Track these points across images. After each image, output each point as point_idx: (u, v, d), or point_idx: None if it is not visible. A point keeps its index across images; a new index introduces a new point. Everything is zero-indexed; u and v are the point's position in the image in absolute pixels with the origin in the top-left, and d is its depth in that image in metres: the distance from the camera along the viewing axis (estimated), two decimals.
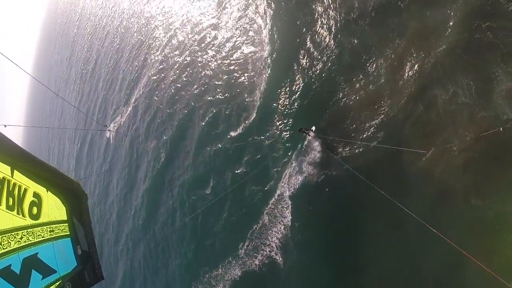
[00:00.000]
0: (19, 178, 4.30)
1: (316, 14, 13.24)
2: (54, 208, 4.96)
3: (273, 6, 15.82)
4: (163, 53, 24.54)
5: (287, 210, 12.23)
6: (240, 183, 13.98)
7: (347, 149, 10.77)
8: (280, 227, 12.27)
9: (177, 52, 22.86)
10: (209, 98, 17.94)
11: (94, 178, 28.57)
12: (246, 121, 15.12)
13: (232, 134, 15.62)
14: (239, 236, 13.61)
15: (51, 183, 4.91)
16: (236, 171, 14.75)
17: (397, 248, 9.00)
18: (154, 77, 24.25)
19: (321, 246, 10.99)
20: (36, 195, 4.61)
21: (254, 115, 14.80)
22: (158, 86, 23.34)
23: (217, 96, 17.44)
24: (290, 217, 12.08)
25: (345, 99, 11.28)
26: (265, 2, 16.41)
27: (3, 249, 3.78)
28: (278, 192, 12.71)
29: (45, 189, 4.80)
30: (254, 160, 14.08)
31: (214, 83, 18.06)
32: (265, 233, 12.72)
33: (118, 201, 24.61)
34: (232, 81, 16.73)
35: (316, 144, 11.73)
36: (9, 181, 4.09)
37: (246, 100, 15.44)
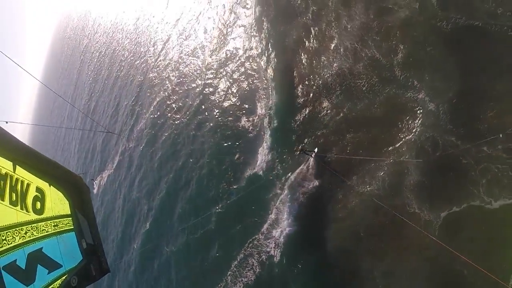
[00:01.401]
0: (22, 173, 4.26)
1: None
2: (57, 202, 4.94)
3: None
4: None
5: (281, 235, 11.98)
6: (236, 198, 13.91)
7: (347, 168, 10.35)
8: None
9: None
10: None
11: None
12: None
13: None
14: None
15: (54, 178, 4.88)
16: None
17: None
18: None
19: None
20: (39, 190, 4.58)
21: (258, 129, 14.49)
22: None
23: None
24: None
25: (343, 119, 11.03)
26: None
27: (8, 244, 3.77)
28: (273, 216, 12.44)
29: (47, 184, 4.77)
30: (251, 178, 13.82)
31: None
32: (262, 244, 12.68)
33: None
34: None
35: (316, 165, 11.29)
36: (11, 177, 4.05)
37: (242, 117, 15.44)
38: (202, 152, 17.21)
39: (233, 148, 15.35)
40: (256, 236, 12.61)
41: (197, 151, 17.62)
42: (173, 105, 21.11)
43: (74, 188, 5.47)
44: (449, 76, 8.69)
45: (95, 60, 47.25)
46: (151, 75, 26.40)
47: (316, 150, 11.19)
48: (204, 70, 19.80)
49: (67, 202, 5.26)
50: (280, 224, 12.02)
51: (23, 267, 3.92)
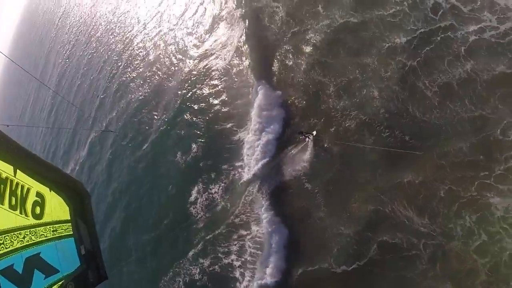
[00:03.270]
0: (22, 178, 4.30)
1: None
2: (57, 207, 4.95)
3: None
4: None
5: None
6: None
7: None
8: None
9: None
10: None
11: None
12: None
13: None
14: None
15: (54, 183, 4.91)
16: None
17: None
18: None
19: None
20: (39, 194, 4.60)
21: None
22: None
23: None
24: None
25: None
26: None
27: (6, 248, 3.77)
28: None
29: (48, 189, 4.79)
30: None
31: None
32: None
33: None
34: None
35: (313, 146, 12.25)
36: (12, 181, 4.09)
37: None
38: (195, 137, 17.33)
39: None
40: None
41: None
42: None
43: (75, 193, 5.48)
44: None
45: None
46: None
47: (314, 133, 12.20)
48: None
49: (67, 207, 5.27)
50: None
51: (20, 272, 3.91)
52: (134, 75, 24.92)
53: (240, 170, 14.09)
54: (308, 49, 14.17)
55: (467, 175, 9.28)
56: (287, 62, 14.47)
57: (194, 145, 16.45)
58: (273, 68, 14.87)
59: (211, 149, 15.63)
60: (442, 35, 11.25)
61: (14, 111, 57.68)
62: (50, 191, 4.84)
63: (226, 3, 19.89)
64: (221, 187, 14.39)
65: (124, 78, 25.98)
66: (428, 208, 9.62)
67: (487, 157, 9.34)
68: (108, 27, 35.40)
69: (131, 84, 23.72)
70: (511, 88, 9.71)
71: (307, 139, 12.39)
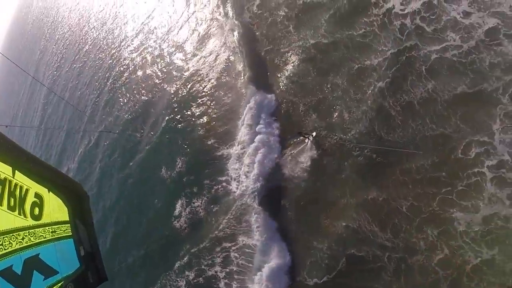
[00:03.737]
0: (21, 179, 4.29)
1: None
2: (56, 208, 4.94)
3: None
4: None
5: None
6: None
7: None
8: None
9: None
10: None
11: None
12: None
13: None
14: None
15: (53, 184, 4.89)
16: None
17: None
18: None
19: None
20: (37, 195, 4.59)
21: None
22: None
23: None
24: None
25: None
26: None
27: (5, 249, 3.76)
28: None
29: (46, 190, 4.78)
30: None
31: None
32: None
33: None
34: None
35: (313, 148, 12.42)
36: (10, 182, 4.07)
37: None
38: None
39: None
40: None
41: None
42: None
43: (74, 195, 5.47)
44: None
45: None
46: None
47: (314, 134, 12.44)
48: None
49: (66, 208, 5.25)
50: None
51: (19, 273, 3.89)
52: (123, 91, 25.02)
53: (225, 184, 14.39)
54: (279, 68, 14.70)
55: (429, 191, 9.56)
56: (265, 77, 14.91)
57: (178, 161, 16.73)
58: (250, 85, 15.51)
59: (197, 164, 15.97)
60: (407, 55, 11.51)
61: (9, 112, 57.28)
62: (49, 192, 4.82)
63: (206, 24, 20.37)
64: (205, 201, 14.68)
65: (112, 94, 26.14)
66: (390, 223, 9.99)
67: (449, 174, 9.64)
68: (95, 42, 35.38)
69: (120, 99, 23.79)
70: (472, 107, 9.96)
71: (306, 140, 12.54)
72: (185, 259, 14.06)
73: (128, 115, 22.43)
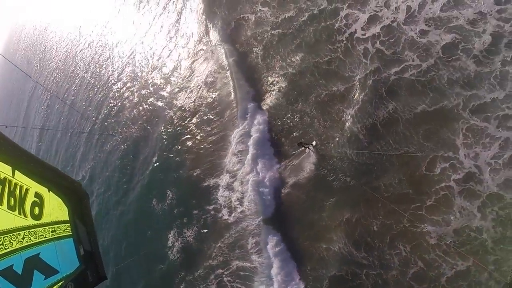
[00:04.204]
0: (21, 178, 4.29)
1: None
2: (56, 208, 4.94)
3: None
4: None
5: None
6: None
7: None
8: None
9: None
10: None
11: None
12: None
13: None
14: None
15: (53, 183, 4.90)
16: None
17: None
18: None
19: None
20: (37, 195, 4.59)
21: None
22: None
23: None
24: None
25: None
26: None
27: (5, 249, 3.76)
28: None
29: (46, 189, 4.78)
30: None
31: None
32: None
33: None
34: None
35: (314, 157, 12.40)
36: (10, 181, 4.08)
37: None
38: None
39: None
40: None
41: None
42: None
43: (73, 194, 5.48)
44: None
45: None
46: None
47: (314, 143, 12.31)
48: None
49: (66, 208, 5.26)
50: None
51: (20, 273, 3.90)
52: (113, 124, 24.81)
53: (213, 212, 14.44)
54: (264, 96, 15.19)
55: (399, 208, 9.57)
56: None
57: (168, 193, 16.74)
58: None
59: (189, 194, 15.96)
60: (373, 78, 11.56)
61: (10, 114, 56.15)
62: (49, 192, 4.83)
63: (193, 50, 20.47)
64: (197, 230, 14.75)
65: (104, 127, 25.96)
66: (363, 242, 10.20)
67: (416, 191, 9.72)
68: (82, 82, 34.64)
69: (111, 132, 23.55)
70: (434, 124, 10.03)
71: (306, 150, 12.50)
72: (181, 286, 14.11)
73: (119, 152, 22.29)
